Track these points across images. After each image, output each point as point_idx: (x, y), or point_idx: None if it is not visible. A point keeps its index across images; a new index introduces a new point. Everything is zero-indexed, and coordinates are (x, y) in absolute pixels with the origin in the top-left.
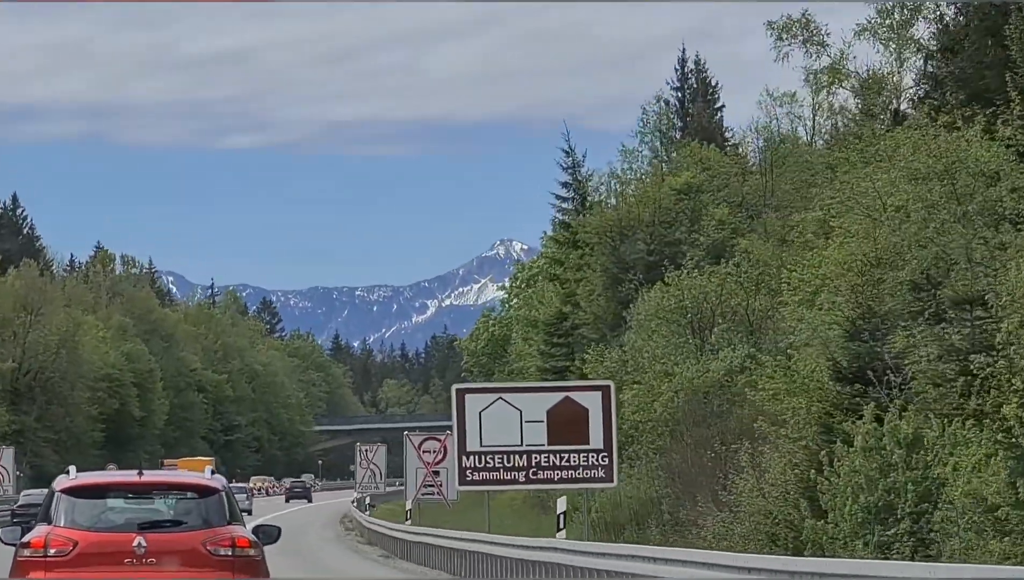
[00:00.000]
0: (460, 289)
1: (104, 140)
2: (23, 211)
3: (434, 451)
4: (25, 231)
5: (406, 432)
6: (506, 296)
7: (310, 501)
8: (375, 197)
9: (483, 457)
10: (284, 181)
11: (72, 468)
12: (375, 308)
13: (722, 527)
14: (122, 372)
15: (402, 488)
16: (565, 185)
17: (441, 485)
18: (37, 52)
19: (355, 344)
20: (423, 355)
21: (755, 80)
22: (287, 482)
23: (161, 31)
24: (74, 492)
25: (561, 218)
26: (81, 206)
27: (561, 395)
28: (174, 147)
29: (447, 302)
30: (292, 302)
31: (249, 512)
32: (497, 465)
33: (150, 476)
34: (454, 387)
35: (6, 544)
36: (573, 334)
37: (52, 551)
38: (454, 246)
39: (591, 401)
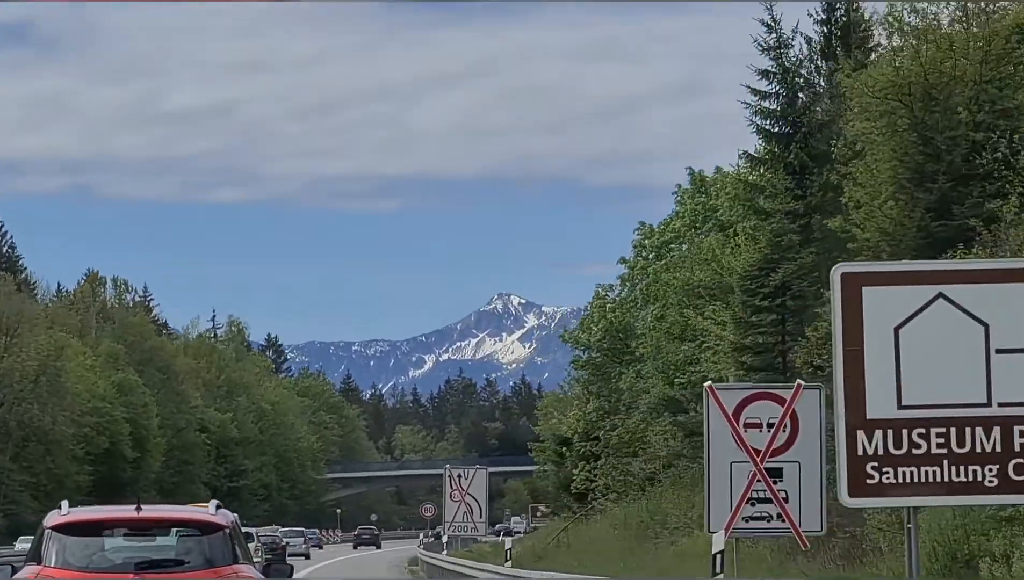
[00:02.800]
0: (458, 343)
1: (90, 194)
2: (2, 227)
3: None
4: (4, 249)
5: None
6: (627, 271)
7: (378, 547)
8: (367, 252)
9: (905, 432)
10: (273, 236)
11: (64, 503)
12: (372, 363)
13: None
14: (113, 406)
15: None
16: (765, 75)
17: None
18: (19, 106)
19: (365, 390)
20: (436, 400)
21: None
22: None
23: (143, 85)
24: (66, 529)
25: (760, 123)
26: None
27: None
28: (161, 201)
29: (444, 356)
30: (289, 356)
31: (306, 556)
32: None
33: (150, 511)
34: (839, 270)
35: None
36: (787, 292)
37: None
38: (451, 301)
39: None
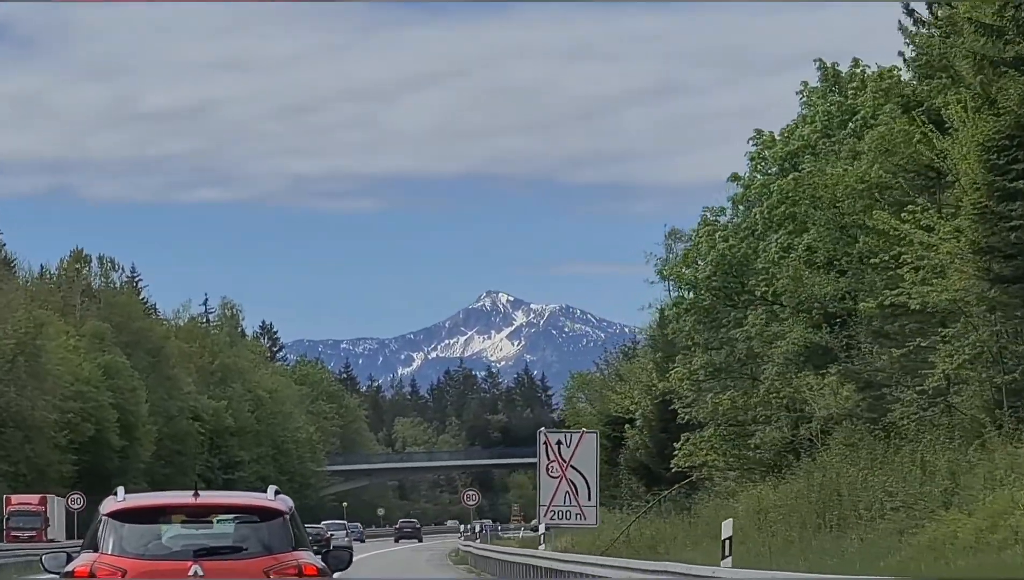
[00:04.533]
0: (447, 341)
1: (71, 194)
2: None
3: None
4: None
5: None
6: (740, 190)
7: (420, 540)
8: (349, 251)
9: None
10: (255, 235)
11: (120, 489)
12: (361, 360)
13: None
14: (98, 390)
15: None
16: None
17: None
18: None
19: (363, 381)
20: (435, 391)
21: None
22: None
23: (121, 84)
24: (123, 516)
25: (919, 15)
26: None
27: None
28: (141, 201)
29: (433, 354)
30: (278, 355)
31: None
32: None
33: (208, 497)
34: None
35: (49, 573)
36: None
37: None
38: (439, 299)
39: None
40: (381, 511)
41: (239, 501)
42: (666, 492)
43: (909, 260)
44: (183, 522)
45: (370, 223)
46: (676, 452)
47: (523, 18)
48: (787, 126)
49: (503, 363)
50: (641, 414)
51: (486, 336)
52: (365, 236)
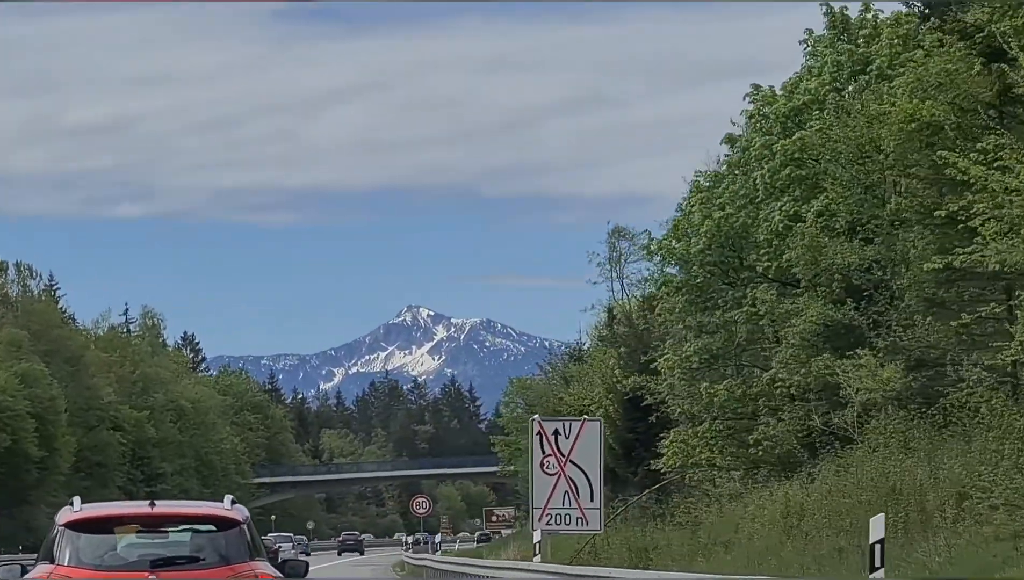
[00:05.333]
0: (367, 356)
1: None
2: None
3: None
4: None
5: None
6: (737, 153)
7: (362, 553)
8: (270, 265)
9: None
10: (176, 250)
11: (76, 499)
12: (281, 376)
13: None
14: (15, 399)
15: None
16: None
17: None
18: None
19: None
20: (360, 403)
21: None
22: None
23: (41, 99)
24: (79, 526)
25: None
26: None
27: None
28: (62, 216)
29: (354, 369)
30: (200, 367)
31: None
32: None
33: (163, 507)
34: None
35: None
36: None
37: None
38: (360, 314)
39: None
40: (311, 524)
41: (196, 511)
42: (636, 497)
43: (984, 210)
44: (139, 532)
45: (290, 237)
46: (664, 451)
47: (443, 29)
48: (789, 79)
49: (424, 378)
50: (603, 415)
51: (407, 351)
52: (285, 250)
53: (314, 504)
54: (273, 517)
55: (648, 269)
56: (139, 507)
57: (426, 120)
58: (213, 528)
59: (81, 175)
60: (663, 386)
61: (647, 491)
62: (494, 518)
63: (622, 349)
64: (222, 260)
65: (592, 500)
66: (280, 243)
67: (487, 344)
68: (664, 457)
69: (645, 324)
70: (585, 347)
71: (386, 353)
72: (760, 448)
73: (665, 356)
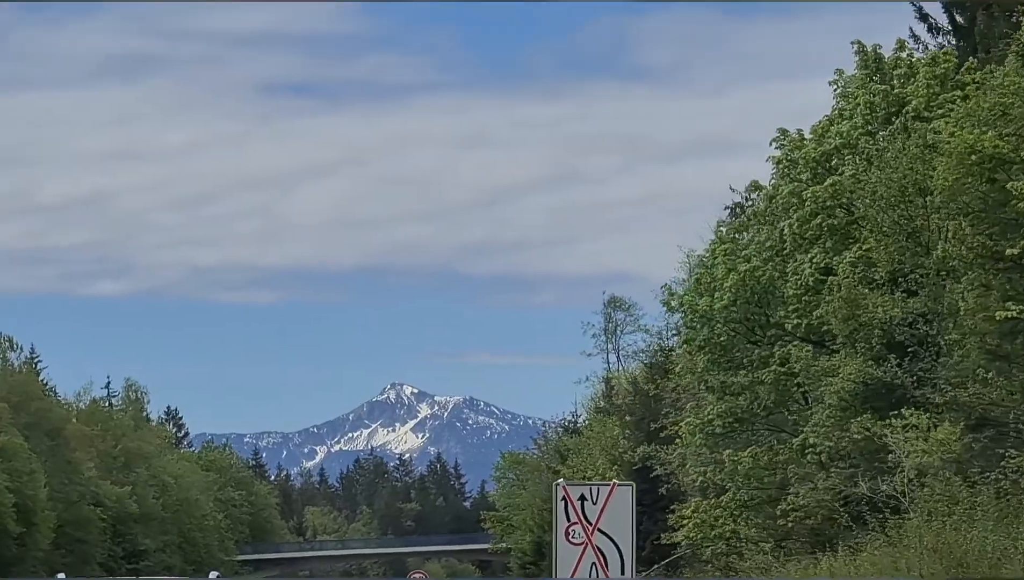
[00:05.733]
0: (350, 434)
1: None
2: None
3: None
4: None
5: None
6: (761, 203)
7: None
8: (250, 343)
9: None
10: (155, 328)
11: (61, 575)
12: (264, 454)
13: None
14: None
15: None
16: None
17: None
18: None
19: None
20: (344, 480)
21: None
22: None
23: (16, 175)
24: None
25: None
26: None
27: None
28: (38, 292)
29: (337, 447)
30: (183, 442)
31: None
32: None
33: None
34: None
35: None
36: None
37: None
38: (343, 392)
39: None
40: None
41: None
42: (644, 573)
43: None
44: None
45: (269, 315)
46: (681, 523)
47: (419, 107)
48: (819, 122)
49: (408, 455)
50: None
51: (390, 428)
52: (265, 328)
53: None
54: None
55: (644, 340)
56: None
57: (402, 197)
58: None
59: (57, 250)
60: (674, 455)
61: (656, 566)
62: None
63: (627, 418)
64: (203, 338)
65: (623, 573)
66: (261, 321)
67: (470, 422)
68: (683, 529)
69: (656, 389)
70: (581, 420)
71: (369, 430)
72: (789, 519)
73: (686, 420)
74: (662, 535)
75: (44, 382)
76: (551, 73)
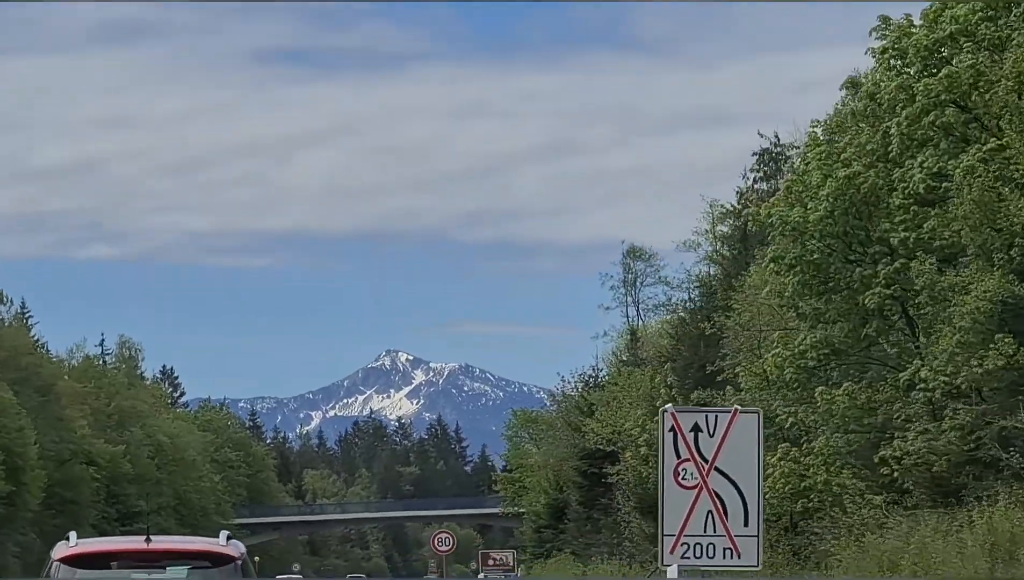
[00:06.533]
0: (345, 400)
1: None
2: None
3: None
4: None
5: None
6: (863, 103)
7: None
8: (245, 309)
9: None
10: (148, 293)
11: (72, 534)
12: (258, 419)
13: None
14: None
15: None
16: None
17: None
18: None
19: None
20: (343, 443)
21: None
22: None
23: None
24: (74, 561)
25: None
26: None
27: None
28: (33, 258)
29: (332, 413)
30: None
31: None
32: None
33: (160, 543)
34: None
35: None
36: None
37: None
38: (337, 358)
39: None
40: (296, 567)
41: (191, 547)
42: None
43: None
44: (135, 567)
45: (263, 281)
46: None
47: (414, 76)
48: (931, 7)
49: (404, 422)
50: (647, 440)
51: (385, 395)
52: (259, 294)
53: (297, 546)
54: (257, 559)
55: (665, 293)
56: (135, 543)
57: (396, 166)
58: (208, 564)
59: (51, 216)
60: (741, 396)
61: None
62: (491, 562)
63: (669, 364)
64: (197, 303)
65: (747, 525)
66: (255, 286)
67: (465, 389)
68: (768, 479)
69: (711, 327)
70: (602, 374)
71: (364, 396)
72: (900, 466)
73: (773, 353)
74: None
75: (36, 338)
76: (548, 44)
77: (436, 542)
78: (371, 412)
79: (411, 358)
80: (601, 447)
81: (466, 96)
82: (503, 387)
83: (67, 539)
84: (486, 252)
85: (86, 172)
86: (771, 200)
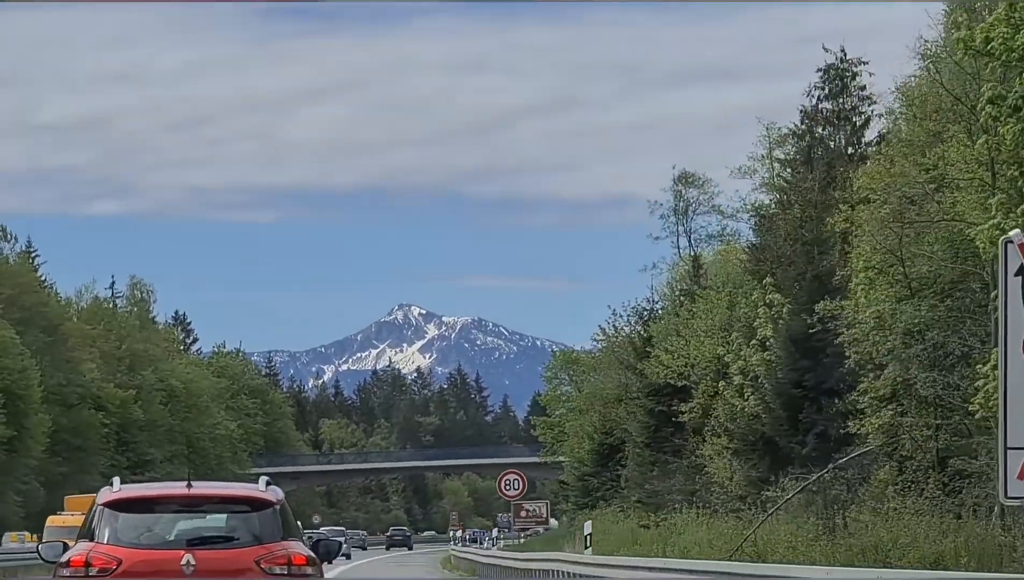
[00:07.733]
0: (358, 354)
1: None
2: None
3: None
4: None
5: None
6: None
7: (410, 548)
8: (254, 263)
9: None
10: (156, 248)
11: (116, 479)
12: (275, 366)
13: None
14: None
15: None
16: None
17: None
18: None
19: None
20: (361, 393)
21: None
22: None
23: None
24: (118, 506)
25: None
26: None
27: None
28: (38, 212)
29: (344, 367)
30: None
31: (347, 556)
32: None
33: (201, 488)
34: None
35: (46, 562)
36: None
37: (94, 570)
38: (350, 312)
39: None
40: (317, 519)
41: (231, 492)
42: (816, 475)
43: None
44: (177, 512)
45: (271, 234)
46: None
47: (419, 30)
48: None
49: (415, 376)
50: (741, 366)
51: (398, 349)
52: (267, 248)
53: (314, 497)
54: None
55: (718, 222)
56: (176, 488)
57: (402, 120)
58: (247, 509)
59: (57, 171)
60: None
61: (831, 466)
62: (523, 514)
63: (768, 279)
64: (205, 257)
65: None
66: (263, 240)
67: (478, 342)
68: (874, 417)
69: (827, 230)
70: (658, 308)
71: (377, 350)
72: None
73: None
74: (824, 426)
75: (42, 278)
76: None
77: (503, 485)
78: (383, 367)
79: (424, 312)
80: (672, 382)
81: (470, 50)
82: (516, 341)
83: (111, 484)
84: (490, 206)
85: (93, 127)
86: (990, 19)
